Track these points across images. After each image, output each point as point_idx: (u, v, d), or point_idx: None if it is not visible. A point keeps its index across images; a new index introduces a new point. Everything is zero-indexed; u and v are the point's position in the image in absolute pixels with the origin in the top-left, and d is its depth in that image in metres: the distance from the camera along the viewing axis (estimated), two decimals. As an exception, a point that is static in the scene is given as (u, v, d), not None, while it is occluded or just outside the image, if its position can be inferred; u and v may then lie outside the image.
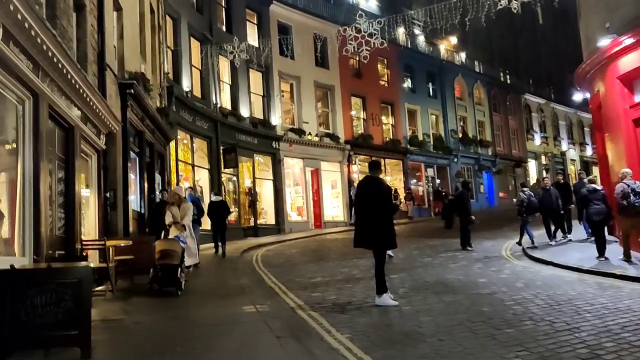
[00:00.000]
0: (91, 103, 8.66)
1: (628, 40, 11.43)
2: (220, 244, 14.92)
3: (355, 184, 28.08)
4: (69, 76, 7.37)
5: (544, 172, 14.86)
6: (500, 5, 14.03)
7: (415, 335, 5.88)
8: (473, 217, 14.47)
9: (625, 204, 10.09)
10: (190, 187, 14.57)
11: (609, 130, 12.83)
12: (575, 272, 9.93)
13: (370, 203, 7.48)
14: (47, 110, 7.03)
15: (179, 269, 8.69)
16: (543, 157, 45.88)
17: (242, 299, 7.95)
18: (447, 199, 21.55)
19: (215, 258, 14.67)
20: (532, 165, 44.68)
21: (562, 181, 15.97)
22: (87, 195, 9.65)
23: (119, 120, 10.62)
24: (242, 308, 7.21)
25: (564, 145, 49.11)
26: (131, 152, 12.37)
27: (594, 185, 11.57)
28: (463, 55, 40.87)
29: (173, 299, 8.21)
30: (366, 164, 30.23)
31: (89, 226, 9.64)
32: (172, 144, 17.72)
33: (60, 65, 6.97)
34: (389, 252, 13.69)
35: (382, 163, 30.68)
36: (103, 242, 8.43)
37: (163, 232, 10.74)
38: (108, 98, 10.49)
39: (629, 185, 10.14)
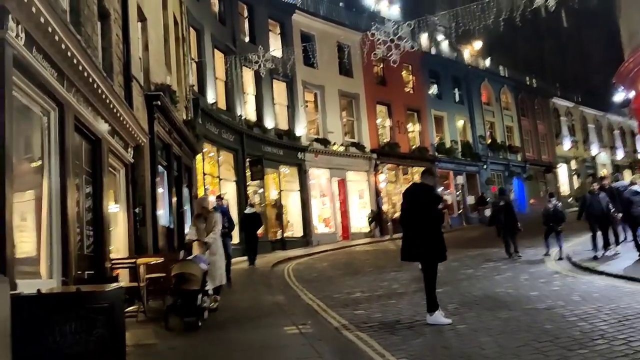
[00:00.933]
0: (118, 114, 8.30)
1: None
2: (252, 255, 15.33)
3: (382, 194, 27.54)
4: (95, 85, 7.00)
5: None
6: (525, 7, 13.44)
7: (480, 358, 5.30)
8: (519, 225, 14.11)
9: None
10: (218, 197, 13.58)
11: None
12: (631, 282, 9.23)
13: (416, 211, 6.93)
14: (73, 121, 6.66)
15: (200, 295, 7.38)
16: (573, 162, 44.74)
17: (281, 318, 7.42)
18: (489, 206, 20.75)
19: (247, 271, 14.22)
20: (562, 170, 43.55)
21: (607, 185, 14.42)
22: (116, 211, 9.27)
23: (147, 133, 10.27)
24: (283, 329, 6.68)
25: (594, 149, 47.86)
26: (159, 166, 12.02)
27: (636, 187, 11.17)
28: (488, 60, 40.18)
29: (208, 320, 7.71)
30: (393, 172, 29.73)
31: (118, 243, 9.25)
32: (199, 157, 17.41)
33: (86, 74, 6.60)
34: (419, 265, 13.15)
35: (410, 171, 30.25)
36: (134, 261, 8.01)
37: (182, 251, 9.01)
38: (135, 110, 10.15)
39: None
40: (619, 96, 29.45)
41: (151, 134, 11.16)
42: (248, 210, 15.64)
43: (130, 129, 9.12)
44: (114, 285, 5.38)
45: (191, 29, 18.12)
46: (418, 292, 9.29)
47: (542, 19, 54.35)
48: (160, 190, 12.19)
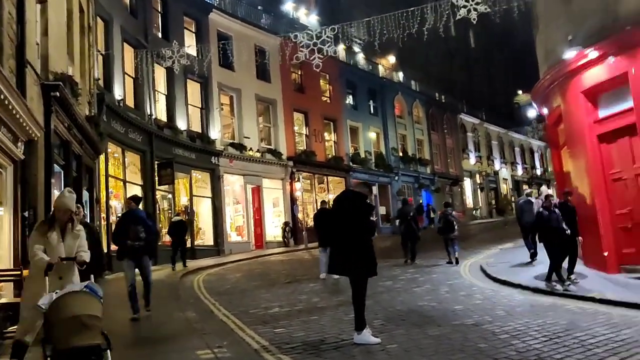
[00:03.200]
0: (7, 102, 7.15)
1: (593, 54, 11.02)
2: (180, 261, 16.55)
3: (298, 203, 27.02)
4: (-24, 65, 5.90)
5: (545, 187, 13.99)
6: (436, 22, 13.58)
7: (418, 384, 4.83)
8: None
9: None
10: (132, 198, 9.79)
11: (571, 146, 12.43)
12: (548, 296, 9.30)
13: (348, 220, 6.41)
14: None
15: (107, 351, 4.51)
16: (477, 176, 46.63)
17: (193, 339, 6.59)
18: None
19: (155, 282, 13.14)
20: (467, 183, 45.26)
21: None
22: (0, 215, 8.01)
23: (42, 127, 9.01)
24: (196, 353, 5.87)
25: (497, 165, 50.24)
26: (55, 165, 10.73)
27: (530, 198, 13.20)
28: (401, 74, 41.07)
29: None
30: (309, 181, 29.32)
31: (3, 252, 7.99)
32: (102, 157, 16.01)
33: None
34: (335, 275, 12.81)
35: (326, 180, 30.00)
36: (19, 272, 6.86)
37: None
38: (29, 100, 8.93)
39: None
40: (532, 113, 30.86)
41: (47, 129, 9.91)
42: (175, 219, 17.37)
43: (22, 121, 7.93)
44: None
45: (99, 18, 16.72)
46: (340, 307, 8.80)
47: (450, 40, 56.96)
48: (55, 192, 10.87)
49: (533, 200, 13.84)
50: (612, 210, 11.08)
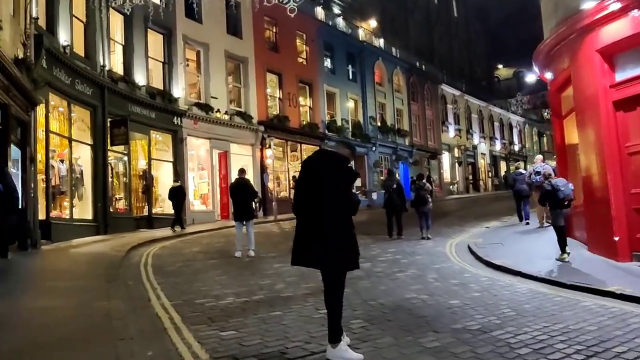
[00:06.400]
0: None
1: (615, 5, 9.38)
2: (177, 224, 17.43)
3: (268, 171, 25.10)
4: None
5: (540, 155, 13.98)
6: None
7: None
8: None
9: None
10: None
11: (581, 114, 10.80)
12: (553, 287, 7.79)
13: (322, 191, 4.63)
14: None
15: None
16: (456, 150, 45.35)
17: (101, 346, 4.75)
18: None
19: (94, 257, 11.32)
20: (445, 157, 43.90)
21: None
22: None
23: None
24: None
25: (476, 139, 49.00)
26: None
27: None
28: (382, 41, 39.08)
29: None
30: (281, 148, 27.40)
31: None
32: (42, 110, 13.86)
33: None
34: (251, 252, 11.40)
35: (299, 148, 28.15)
36: None
37: None
38: None
39: None
40: (530, 78, 29.30)
41: (-53, 64, 7.83)
42: (174, 185, 18.12)
43: None
44: None
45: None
46: (310, 297, 7.13)
47: (433, 7, 54.92)
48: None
49: (523, 171, 16.21)
50: (627, 189, 9.58)
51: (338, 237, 4.59)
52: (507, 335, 5.33)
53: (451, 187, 43.13)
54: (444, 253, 11.82)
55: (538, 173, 12.94)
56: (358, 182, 31.76)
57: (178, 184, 18.35)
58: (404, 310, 6.48)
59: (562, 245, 9.73)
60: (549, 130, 59.46)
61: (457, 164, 45.32)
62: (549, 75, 12.69)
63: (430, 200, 14.39)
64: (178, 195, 17.72)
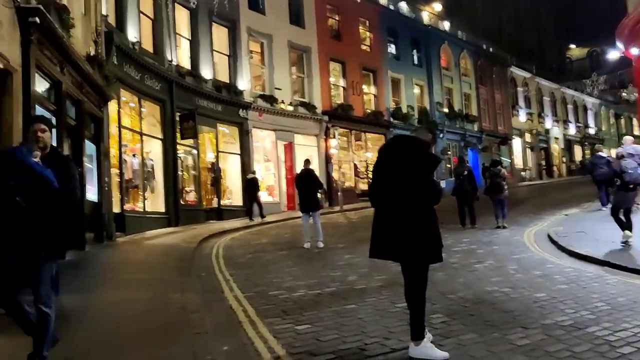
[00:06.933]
0: None
1: None
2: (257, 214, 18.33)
3: (333, 161, 24.90)
4: None
5: (629, 137, 12.99)
6: None
7: None
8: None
9: None
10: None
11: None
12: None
13: (394, 178, 4.33)
14: None
15: None
16: (527, 135, 43.53)
17: (179, 341, 4.69)
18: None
19: (169, 248, 11.53)
20: (516, 142, 42.21)
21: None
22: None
23: (3, 57, 6.99)
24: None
25: (548, 123, 46.86)
26: (41, 108, 8.92)
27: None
28: (447, 24, 37.91)
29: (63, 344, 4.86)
30: (345, 138, 27.12)
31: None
32: (114, 106, 14.23)
33: None
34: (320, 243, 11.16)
35: (364, 137, 27.78)
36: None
37: None
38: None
39: None
40: (611, 55, 27.68)
41: (25, 62, 8.05)
42: (249, 176, 18.93)
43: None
44: None
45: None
46: (384, 290, 6.84)
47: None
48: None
49: (604, 155, 15.61)
50: None
51: (413, 225, 4.26)
52: (605, 332, 4.85)
53: (523, 173, 41.45)
54: (522, 242, 11.23)
55: (631, 155, 12.02)
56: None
57: (253, 175, 19.09)
58: (486, 304, 6.07)
59: (622, 226, 9.44)
60: (628, 111, 56.20)
61: (529, 149, 43.52)
62: (635, 51, 11.75)
63: (506, 187, 13.74)
64: (252, 186, 18.59)
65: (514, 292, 6.63)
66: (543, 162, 45.76)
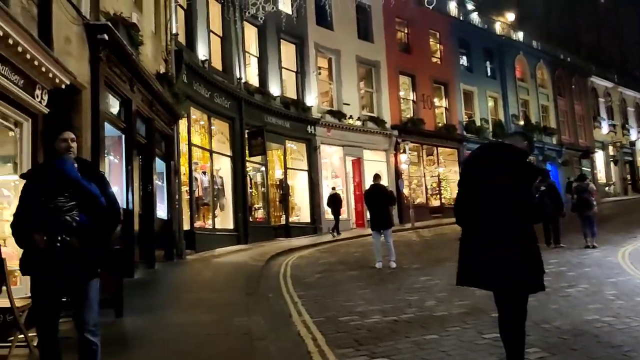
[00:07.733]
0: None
1: None
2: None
3: (404, 176, 24.16)
4: None
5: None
6: None
7: None
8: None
9: None
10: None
11: None
12: None
13: (498, 196, 3.73)
14: None
15: None
16: (610, 148, 40.94)
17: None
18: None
19: (235, 267, 11.28)
20: (599, 156, 39.77)
21: None
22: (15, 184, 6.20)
23: (70, 73, 6.94)
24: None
25: (633, 135, 43.95)
26: (111, 126, 8.92)
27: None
28: (521, 34, 36.45)
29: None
30: (416, 153, 26.34)
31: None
32: (184, 124, 14.32)
33: None
34: (392, 264, 10.52)
35: (436, 152, 26.92)
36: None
37: None
38: (63, 40, 7.07)
39: None
40: None
41: (94, 79, 8.04)
42: (331, 192, 19.54)
43: (35, 62, 5.97)
44: None
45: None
46: (467, 317, 6.17)
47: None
48: (112, 159, 9.13)
49: None
50: None
51: (518, 249, 3.66)
52: None
53: (607, 188, 38.91)
54: (617, 264, 10.20)
55: None
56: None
57: (335, 191, 19.57)
58: (589, 337, 5.29)
59: None
60: None
61: (612, 163, 40.89)
62: None
63: (595, 203, 12.65)
64: (335, 202, 18.97)
65: (619, 323, 5.80)
66: (628, 177, 42.88)
